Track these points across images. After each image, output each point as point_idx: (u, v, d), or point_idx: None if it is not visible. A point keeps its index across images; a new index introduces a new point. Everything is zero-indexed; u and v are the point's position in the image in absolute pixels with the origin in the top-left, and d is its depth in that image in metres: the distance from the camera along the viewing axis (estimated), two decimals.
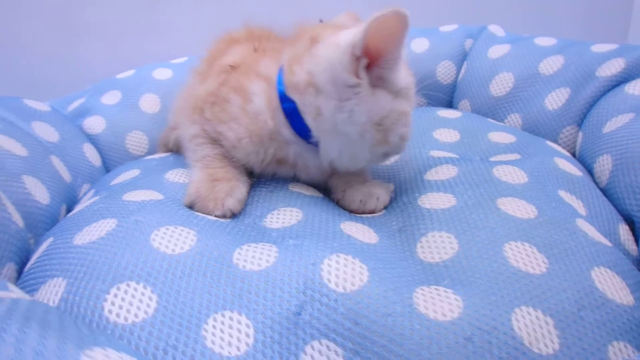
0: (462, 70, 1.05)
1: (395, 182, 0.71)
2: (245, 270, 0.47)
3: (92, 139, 1.00)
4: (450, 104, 1.08)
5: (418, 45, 1.10)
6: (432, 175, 0.67)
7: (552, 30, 1.16)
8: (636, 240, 0.61)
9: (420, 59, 1.08)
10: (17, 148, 0.72)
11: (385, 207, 0.65)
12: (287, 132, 0.61)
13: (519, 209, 0.56)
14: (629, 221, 0.63)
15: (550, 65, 0.90)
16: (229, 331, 0.42)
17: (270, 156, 0.63)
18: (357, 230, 0.56)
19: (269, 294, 0.45)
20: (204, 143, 0.66)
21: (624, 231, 0.61)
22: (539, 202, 0.58)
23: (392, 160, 0.72)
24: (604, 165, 0.69)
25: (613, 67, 0.80)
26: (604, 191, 0.69)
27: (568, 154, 0.77)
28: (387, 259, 0.51)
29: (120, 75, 1.15)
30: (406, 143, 0.62)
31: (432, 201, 0.60)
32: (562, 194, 0.63)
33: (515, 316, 0.43)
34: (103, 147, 1.00)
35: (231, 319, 0.43)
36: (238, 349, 0.41)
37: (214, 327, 0.42)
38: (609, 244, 0.54)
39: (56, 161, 0.80)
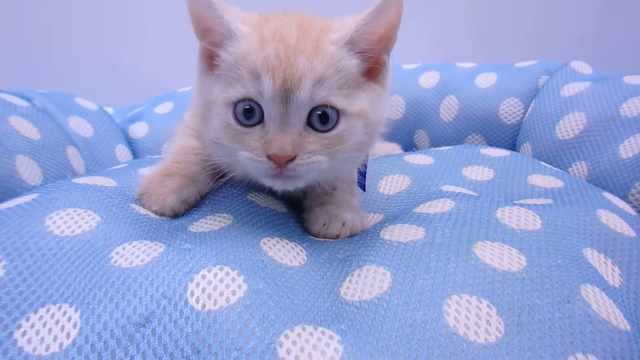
0: (529, 110, 0.88)
1: (384, 213, 0.58)
2: (113, 266, 0.40)
3: (131, 143, 1.03)
4: (512, 149, 0.90)
5: (483, 80, 0.96)
6: (421, 208, 0.54)
7: None
8: None
9: (483, 94, 0.94)
10: (30, 132, 0.75)
11: (353, 236, 0.53)
12: None
13: (501, 257, 0.41)
14: None
15: (635, 106, 0.70)
16: (50, 327, 0.35)
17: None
18: (280, 249, 0.45)
19: (119, 296, 0.37)
20: (192, 135, 0.64)
21: None
22: (537, 254, 0.42)
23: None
24: None
25: None
26: None
27: (632, 212, 0.57)
28: (291, 285, 0.39)
29: (181, 89, 1.20)
30: (227, 148, 0.49)
31: (396, 232, 0.47)
32: (588, 253, 0.45)
33: None
34: (140, 150, 1.02)
35: (64, 313, 0.36)
36: (47, 348, 0.33)
37: (40, 318, 0.35)
38: (625, 328, 0.36)
39: (73, 152, 0.82)
